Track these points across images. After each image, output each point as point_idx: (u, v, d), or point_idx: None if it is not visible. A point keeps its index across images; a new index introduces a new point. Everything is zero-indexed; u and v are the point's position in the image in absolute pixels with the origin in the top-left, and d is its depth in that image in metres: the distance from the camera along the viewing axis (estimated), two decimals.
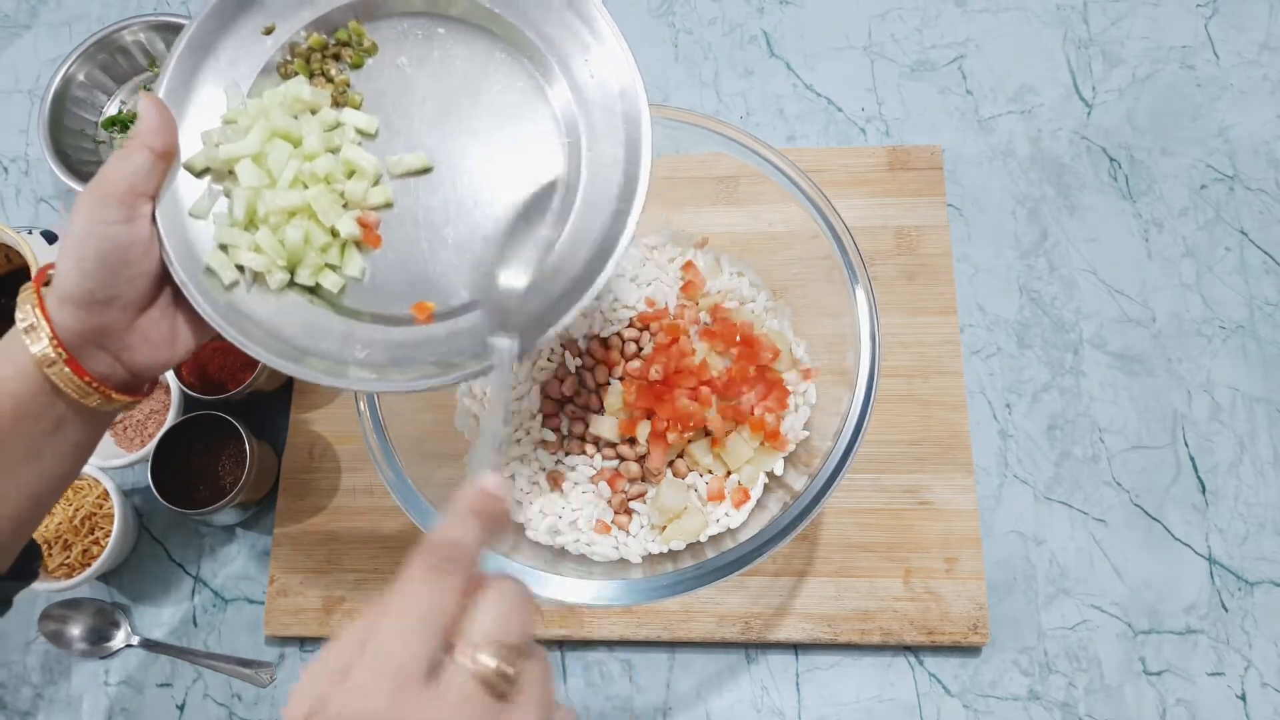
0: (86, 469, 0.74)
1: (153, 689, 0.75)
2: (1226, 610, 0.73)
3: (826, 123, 0.90)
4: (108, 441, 0.78)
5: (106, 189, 0.45)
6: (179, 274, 0.47)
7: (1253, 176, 0.84)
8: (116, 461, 0.75)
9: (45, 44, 0.99)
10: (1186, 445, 0.77)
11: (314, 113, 0.51)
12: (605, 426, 0.67)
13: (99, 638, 0.75)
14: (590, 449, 0.69)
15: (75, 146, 0.88)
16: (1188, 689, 0.71)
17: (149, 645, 0.75)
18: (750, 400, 0.68)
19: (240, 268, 0.49)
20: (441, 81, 0.52)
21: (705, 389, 0.67)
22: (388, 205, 0.50)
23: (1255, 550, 0.74)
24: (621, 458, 0.68)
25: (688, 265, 0.74)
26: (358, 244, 0.50)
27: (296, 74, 0.51)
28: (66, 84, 0.88)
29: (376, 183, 0.50)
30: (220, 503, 0.71)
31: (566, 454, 0.69)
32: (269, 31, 0.51)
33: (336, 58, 0.52)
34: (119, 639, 0.75)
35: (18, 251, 0.74)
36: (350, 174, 0.50)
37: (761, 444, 0.67)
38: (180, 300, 0.48)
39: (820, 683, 0.72)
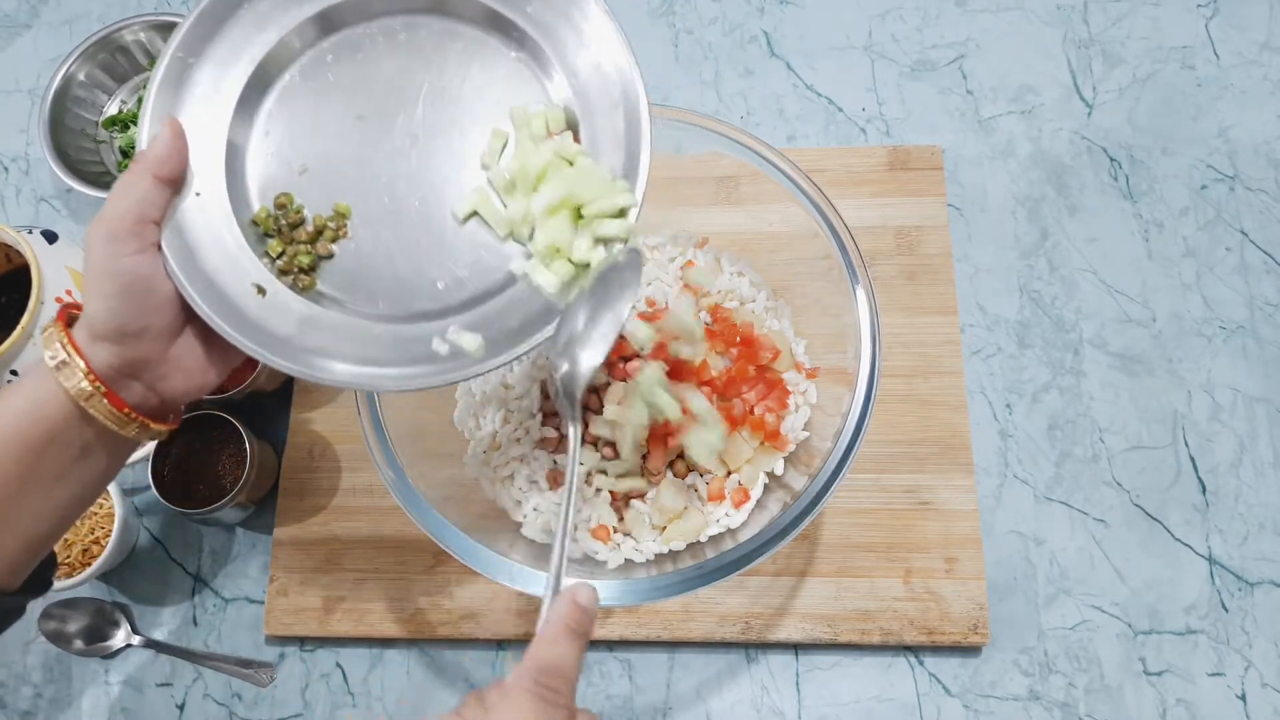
0: None
1: (153, 689, 0.75)
2: (1227, 610, 0.72)
3: (827, 123, 0.90)
4: None
5: (115, 222, 0.44)
6: (191, 295, 0.46)
7: (1253, 176, 0.84)
8: None
9: (46, 43, 0.99)
10: (1187, 445, 0.77)
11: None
12: (604, 427, 0.67)
13: (99, 637, 0.75)
14: (589, 449, 0.69)
15: (76, 146, 0.88)
16: (1188, 689, 0.71)
17: (149, 645, 0.75)
18: (750, 400, 0.68)
19: (259, 287, 0.48)
20: (436, 74, 0.52)
21: (705, 389, 0.67)
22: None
23: (1255, 550, 0.74)
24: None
25: (688, 265, 0.74)
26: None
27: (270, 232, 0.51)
28: (67, 83, 0.88)
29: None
30: (220, 502, 0.71)
31: (567, 453, 0.69)
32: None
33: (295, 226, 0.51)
34: (119, 638, 0.75)
35: (18, 251, 0.74)
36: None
37: (761, 444, 0.67)
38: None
39: (820, 683, 0.72)
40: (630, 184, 0.50)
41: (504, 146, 0.51)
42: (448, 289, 0.50)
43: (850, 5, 0.94)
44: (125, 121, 0.90)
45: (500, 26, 0.52)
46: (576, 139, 0.51)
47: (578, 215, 0.49)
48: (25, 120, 0.96)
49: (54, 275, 0.74)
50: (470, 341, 0.48)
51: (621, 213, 0.49)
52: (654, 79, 0.92)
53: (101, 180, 0.86)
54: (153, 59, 0.92)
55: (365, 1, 0.52)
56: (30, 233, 0.75)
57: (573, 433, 0.48)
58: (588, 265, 0.49)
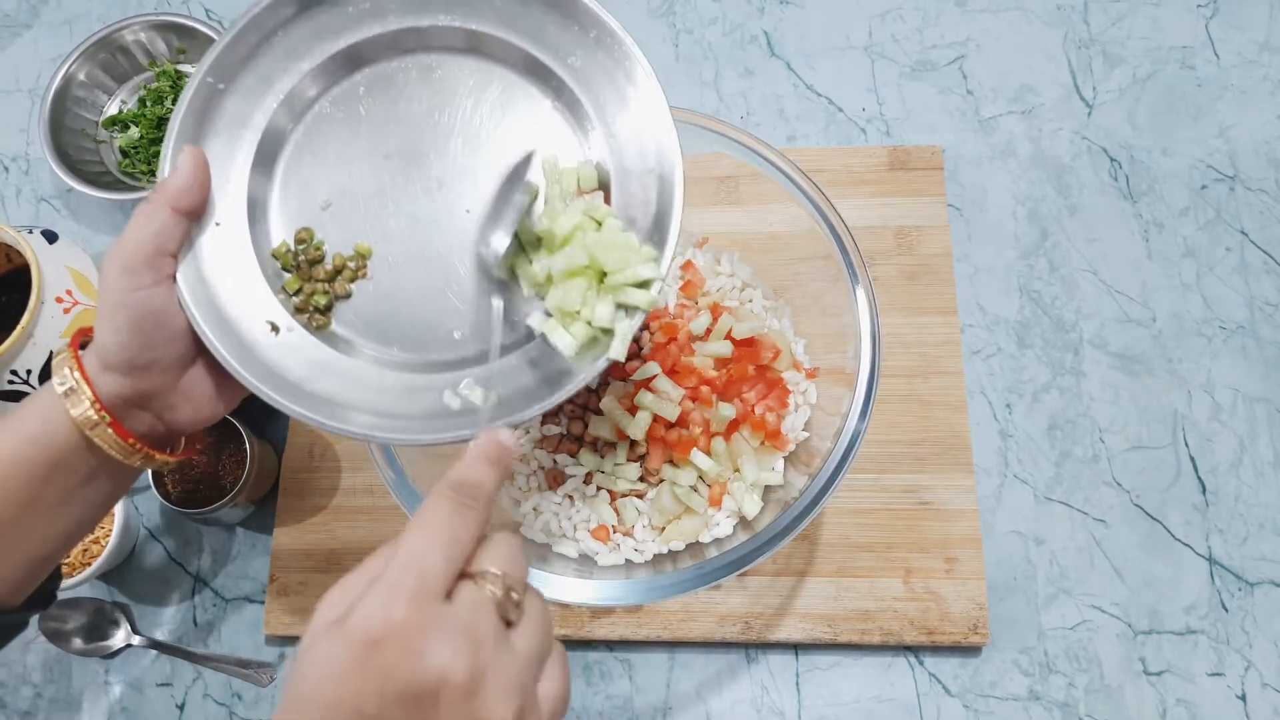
0: None
1: (153, 689, 0.75)
2: (1227, 610, 0.72)
3: (827, 123, 0.90)
4: None
5: (133, 253, 0.44)
6: (204, 331, 0.46)
7: (1253, 176, 0.84)
8: None
9: (46, 43, 0.99)
10: (1187, 445, 0.77)
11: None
12: (604, 427, 0.67)
13: (99, 637, 0.75)
14: (589, 449, 0.69)
15: (76, 146, 0.88)
16: (1188, 689, 0.71)
17: (149, 645, 0.75)
18: (750, 399, 0.68)
19: (273, 324, 0.48)
20: (468, 117, 0.51)
21: (705, 388, 0.67)
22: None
23: (1255, 550, 0.74)
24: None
25: (687, 265, 0.74)
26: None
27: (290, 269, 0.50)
28: (67, 83, 0.88)
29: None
30: (220, 502, 0.71)
31: (566, 453, 0.69)
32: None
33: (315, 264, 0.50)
34: (119, 638, 0.75)
35: (18, 251, 0.74)
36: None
37: (762, 443, 0.67)
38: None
39: (820, 683, 0.72)
40: (657, 252, 0.48)
41: (533, 199, 0.50)
42: (464, 339, 0.49)
43: (850, 5, 0.94)
44: (125, 121, 0.90)
45: (539, 74, 0.51)
46: (608, 199, 0.49)
47: (600, 278, 0.48)
48: (25, 120, 0.96)
49: (54, 275, 0.74)
50: (482, 398, 0.47)
51: (645, 284, 0.47)
52: None
53: (101, 180, 0.86)
54: (153, 59, 0.92)
55: (400, 37, 0.50)
56: (30, 233, 0.75)
57: (496, 305, 0.47)
58: (608, 330, 0.47)
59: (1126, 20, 0.91)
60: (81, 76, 0.89)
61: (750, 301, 0.74)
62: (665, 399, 0.66)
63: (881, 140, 0.88)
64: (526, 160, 0.50)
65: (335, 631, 0.32)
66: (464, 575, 0.35)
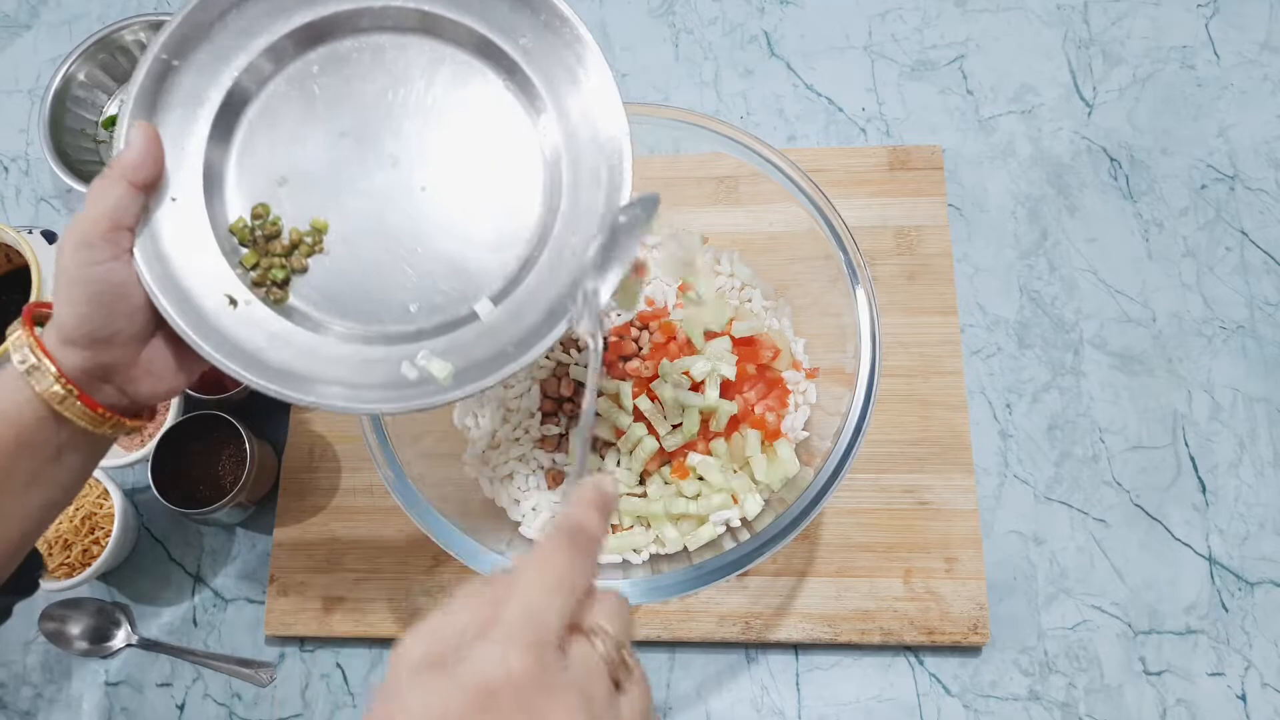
0: None
1: (153, 689, 0.75)
2: (1227, 610, 0.72)
3: (827, 123, 0.89)
4: None
5: (89, 228, 0.44)
6: (163, 304, 0.46)
7: (1253, 176, 0.84)
8: (116, 461, 0.75)
9: (45, 43, 0.99)
10: (1187, 445, 0.77)
11: None
12: (603, 427, 0.67)
13: (99, 637, 0.75)
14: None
15: (75, 146, 0.88)
16: (1188, 689, 0.71)
17: (149, 645, 0.75)
18: (750, 399, 0.68)
19: (231, 298, 0.48)
20: (422, 97, 0.52)
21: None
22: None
23: (1255, 550, 0.74)
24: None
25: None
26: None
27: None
28: (67, 83, 0.88)
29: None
30: (220, 503, 0.71)
31: (565, 453, 0.69)
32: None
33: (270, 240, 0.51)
34: (119, 639, 0.75)
35: (18, 251, 0.74)
36: None
37: (762, 443, 0.67)
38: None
39: (820, 683, 0.72)
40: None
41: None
42: (420, 312, 0.50)
43: (850, 5, 0.94)
44: None
45: (491, 54, 0.52)
46: None
47: None
48: (25, 120, 0.96)
49: (54, 275, 0.74)
50: (440, 369, 0.48)
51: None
52: (654, 79, 0.92)
53: None
54: None
55: (353, 17, 0.51)
56: (30, 233, 0.75)
57: (593, 344, 0.47)
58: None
59: (1126, 20, 0.91)
60: (81, 76, 0.89)
61: (750, 301, 0.74)
62: (659, 413, 0.66)
63: (881, 140, 0.88)
64: (648, 203, 0.50)
65: (443, 675, 0.30)
66: (575, 629, 0.33)
